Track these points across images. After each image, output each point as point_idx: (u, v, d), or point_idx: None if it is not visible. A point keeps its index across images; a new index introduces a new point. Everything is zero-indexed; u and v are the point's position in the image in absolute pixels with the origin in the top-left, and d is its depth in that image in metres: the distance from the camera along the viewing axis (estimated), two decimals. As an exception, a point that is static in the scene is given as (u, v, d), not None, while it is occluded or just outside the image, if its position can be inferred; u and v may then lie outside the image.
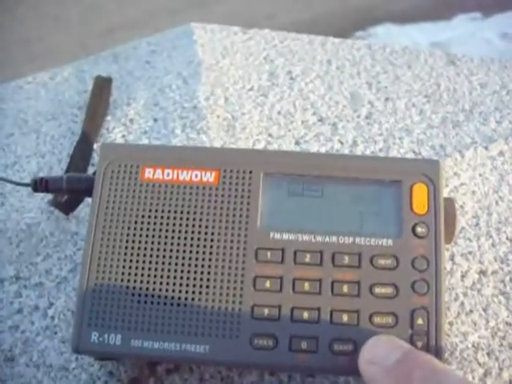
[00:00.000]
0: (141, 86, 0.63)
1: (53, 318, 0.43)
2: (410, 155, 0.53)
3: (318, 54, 0.67)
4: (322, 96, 0.60)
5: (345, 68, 0.64)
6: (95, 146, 0.55)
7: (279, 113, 0.58)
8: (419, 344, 0.34)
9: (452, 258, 0.45)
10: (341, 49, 0.68)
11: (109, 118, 0.58)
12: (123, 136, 0.56)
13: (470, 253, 0.45)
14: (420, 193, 0.37)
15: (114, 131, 0.57)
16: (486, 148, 0.53)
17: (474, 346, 0.41)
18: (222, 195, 0.37)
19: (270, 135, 0.56)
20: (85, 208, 0.48)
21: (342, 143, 0.54)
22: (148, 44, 0.71)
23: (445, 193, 0.47)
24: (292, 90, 0.61)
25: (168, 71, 0.65)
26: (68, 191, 0.41)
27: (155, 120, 0.58)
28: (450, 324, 0.42)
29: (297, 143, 0.55)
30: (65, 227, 0.48)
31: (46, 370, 0.40)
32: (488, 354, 0.41)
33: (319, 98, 0.60)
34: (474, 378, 0.39)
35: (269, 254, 0.36)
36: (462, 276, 0.44)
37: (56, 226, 0.48)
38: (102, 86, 0.60)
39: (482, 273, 0.44)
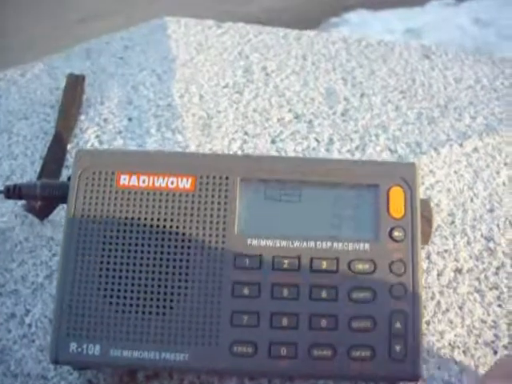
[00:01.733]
0: (114, 84, 0.62)
1: (30, 325, 0.42)
2: (386, 153, 0.53)
3: (293, 49, 0.67)
4: (298, 92, 0.60)
5: (320, 63, 0.64)
6: (69, 146, 0.54)
7: (255, 110, 0.58)
8: (397, 348, 0.35)
9: (428, 257, 0.45)
10: (316, 42, 0.68)
11: (82, 117, 0.58)
12: (97, 136, 0.55)
13: (445, 251, 0.46)
14: (397, 196, 0.37)
15: (88, 131, 0.56)
16: (461, 145, 0.53)
17: (450, 344, 0.41)
18: (199, 202, 0.37)
19: (245, 133, 0.55)
20: (60, 211, 0.47)
21: (318, 141, 0.54)
22: (121, 39, 0.70)
23: (421, 191, 0.47)
24: (267, 86, 0.61)
25: (142, 68, 0.64)
26: (42, 198, 0.40)
27: (130, 119, 0.57)
28: (427, 323, 0.42)
29: (273, 142, 0.55)
30: (40, 232, 0.47)
31: (24, 379, 0.40)
32: (464, 351, 0.41)
33: (295, 94, 0.60)
34: (450, 376, 0.40)
35: (247, 260, 0.36)
36: (438, 274, 0.45)
37: (31, 230, 0.47)
38: (75, 85, 0.59)
39: (458, 271, 0.45)
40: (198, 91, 0.60)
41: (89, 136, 0.55)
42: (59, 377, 0.40)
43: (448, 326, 0.42)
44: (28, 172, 0.53)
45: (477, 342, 0.41)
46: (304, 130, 0.56)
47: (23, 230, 0.47)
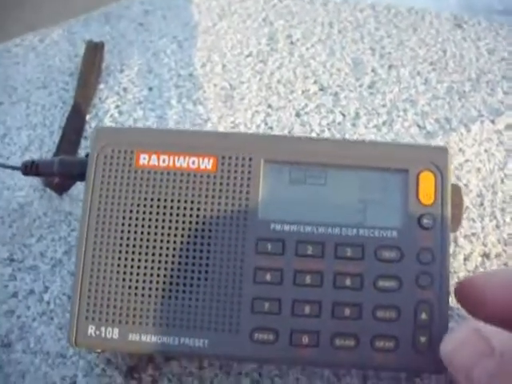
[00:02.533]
0: (134, 51, 0.60)
1: (48, 302, 0.42)
2: (414, 129, 0.51)
3: (319, 16, 0.64)
4: (324, 63, 0.58)
5: (347, 32, 0.62)
6: (88, 117, 0.53)
7: (279, 81, 0.56)
8: (422, 339, 0.34)
9: (455, 241, 0.44)
10: (343, 10, 0.65)
11: (101, 86, 0.56)
12: (117, 107, 0.54)
13: (473, 234, 0.44)
14: (427, 182, 0.35)
15: (107, 101, 0.55)
16: (493, 121, 0.51)
17: (475, 331, 0.40)
18: (221, 183, 0.36)
19: (269, 106, 0.54)
20: (79, 186, 0.47)
21: (344, 115, 0.53)
22: (141, 3, 0.68)
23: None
24: (292, 55, 0.59)
25: (162, 34, 0.62)
26: (60, 175, 0.39)
27: (150, 89, 0.56)
28: (451, 309, 0.41)
29: (297, 115, 0.53)
30: (58, 207, 0.46)
31: (44, 357, 0.40)
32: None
33: (320, 64, 0.58)
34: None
35: (269, 245, 0.35)
36: (465, 259, 0.43)
37: (49, 205, 0.47)
38: (94, 52, 0.58)
39: (486, 256, 0.43)
40: (221, 60, 0.58)
41: (108, 106, 0.54)
42: (78, 356, 0.39)
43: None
44: (46, 143, 0.52)
45: (503, 330, 0.40)
46: (329, 103, 0.54)
47: (42, 204, 0.47)
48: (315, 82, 0.56)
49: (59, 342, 0.40)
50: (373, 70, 0.57)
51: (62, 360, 0.39)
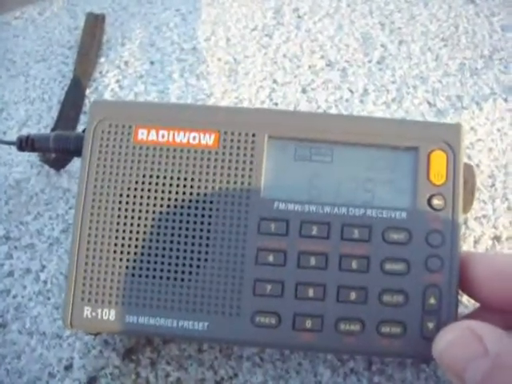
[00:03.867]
0: (136, 24, 0.58)
1: (45, 282, 0.41)
2: (425, 106, 0.50)
3: (327, -11, 0.62)
4: (331, 37, 0.56)
5: (356, 5, 0.60)
6: (88, 91, 0.52)
7: (285, 56, 0.54)
8: (430, 325, 0.32)
9: (465, 223, 0.42)
10: (352, -18, 0.63)
11: (102, 59, 0.55)
12: (117, 81, 0.52)
13: (484, 216, 0.43)
14: (438, 161, 0.34)
15: (108, 75, 0.53)
16: (506, 100, 0.49)
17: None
18: (222, 160, 0.34)
19: (274, 81, 0.52)
20: (77, 162, 0.45)
21: (351, 92, 0.51)
22: (144, -26, 0.66)
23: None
24: (299, 30, 0.57)
25: (165, 7, 0.60)
26: (56, 151, 0.38)
27: (152, 63, 0.54)
28: (460, 294, 0.40)
29: (303, 91, 0.51)
30: (56, 183, 0.45)
31: (40, 337, 0.39)
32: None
33: (328, 39, 0.56)
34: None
35: (272, 225, 0.34)
36: (475, 242, 0.42)
37: (47, 182, 0.45)
38: (95, 25, 0.56)
39: (496, 238, 0.42)
40: (225, 34, 0.56)
41: (109, 80, 0.53)
42: (75, 337, 0.38)
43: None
44: (45, 118, 0.50)
45: None
46: (337, 79, 0.52)
47: (39, 181, 0.45)
48: (322, 57, 0.54)
49: (55, 322, 0.39)
50: (382, 46, 0.55)
51: (59, 341, 0.38)
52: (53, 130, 0.47)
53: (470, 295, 0.34)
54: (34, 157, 0.46)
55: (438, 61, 0.54)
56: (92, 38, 0.55)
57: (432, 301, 0.33)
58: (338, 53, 0.54)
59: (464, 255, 0.33)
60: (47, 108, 0.51)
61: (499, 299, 0.32)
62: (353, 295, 0.33)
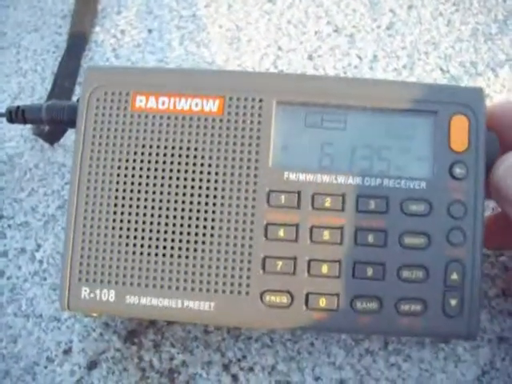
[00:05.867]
0: (133, -9, 0.55)
1: (41, 261, 0.39)
2: (437, 73, 0.47)
3: (332, -49, 0.59)
4: (338, 2, 0.53)
5: (363, -31, 0.57)
6: (82, 61, 0.49)
7: (289, 22, 0.51)
8: (453, 302, 0.30)
9: (485, 193, 0.40)
10: None
11: (97, 29, 0.52)
12: (113, 50, 0.50)
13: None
14: (459, 127, 0.31)
15: (104, 44, 0.50)
16: (524, 65, 0.47)
17: (504, 292, 0.37)
18: (228, 128, 0.32)
19: (279, 48, 0.49)
20: (72, 135, 0.42)
21: (360, 58, 0.48)
22: None
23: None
24: (303, -6, 0.54)
25: (163, -27, 0.57)
26: (49, 122, 0.35)
27: (149, 31, 0.51)
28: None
29: (309, 58, 0.49)
30: (51, 158, 0.43)
31: (36, 320, 0.37)
32: (520, 300, 0.37)
33: (334, 4, 0.53)
34: (503, 329, 0.36)
35: (283, 197, 0.31)
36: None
37: (41, 156, 0.43)
38: (89, -8, 0.53)
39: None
40: (226, 0, 0.53)
41: (104, 50, 0.50)
42: (73, 319, 0.36)
43: (501, 271, 0.38)
44: (38, 90, 0.48)
45: (536, 291, 0.37)
46: (345, 46, 0.49)
47: (33, 155, 0.43)
48: (329, 23, 0.51)
49: (53, 304, 0.37)
50: (391, 11, 0.52)
51: (57, 324, 0.36)
52: (47, 101, 0.45)
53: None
54: (26, 130, 0.44)
55: (450, 26, 0.51)
56: (86, 6, 0.52)
57: (454, 276, 0.30)
58: (345, 18, 0.52)
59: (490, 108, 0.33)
60: (40, 80, 0.49)
61: None
62: (370, 271, 0.31)
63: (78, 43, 0.50)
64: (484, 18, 0.52)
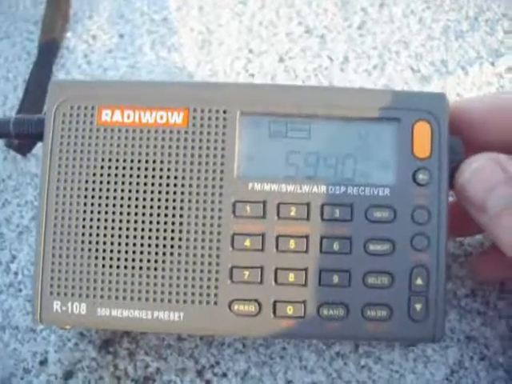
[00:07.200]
0: (104, -5, 0.55)
1: (16, 273, 0.39)
2: (408, 72, 0.47)
3: (303, -50, 0.59)
4: (309, 2, 0.53)
5: (334, -33, 0.57)
6: (54, 68, 0.49)
7: (261, 24, 0.52)
8: (418, 306, 0.31)
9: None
10: None
11: (69, 34, 0.52)
12: (85, 56, 0.50)
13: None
14: (422, 133, 0.32)
15: (76, 50, 0.50)
16: (493, 64, 0.47)
17: (472, 293, 0.38)
18: (193, 139, 0.32)
19: (250, 51, 0.49)
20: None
21: (331, 59, 0.48)
22: None
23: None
24: (275, -5, 0.54)
25: (134, -25, 0.57)
26: (17, 136, 0.36)
27: (121, 36, 0.51)
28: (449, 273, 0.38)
29: (281, 60, 0.49)
30: (24, 168, 0.43)
31: (12, 331, 0.37)
32: (487, 302, 0.37)
33: (305, 4, 0.53)
34: (472, 329, 0.36)
35: (248, 207, 0.32)
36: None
37: (14, 167, 0.43)
38: (59, -3, 0.53)
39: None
40: (197, 2, 0.53)
41: (76, 56, 0.50)
42: (49, 330, 0.37)
43: (470, 272, 0.38)
44: (10, 99, 0.48)
45: (502, 291, 0.38)
46: (316, 47, 0.49)
47: (5, 166, 0.43)
48: (300, 24, 0.51)
49: (28, 315, 0.37)
50: (362, 10, 0.53)
51: (32, 335, 0.37)
52: (18, 111, 0.45)
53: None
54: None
55: (421, 24, 0.51)
56: (57, 11, 0.52)
57: (419, 281, 0.31)
58: (317, 18, 0.52)
59: (455, 104, 0.33)
60: (12, 88, 0.48)
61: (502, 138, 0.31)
62: (335, 278, 0.31)
63: (49, 50, 0.49)
64: (455, 15, 0.52)
